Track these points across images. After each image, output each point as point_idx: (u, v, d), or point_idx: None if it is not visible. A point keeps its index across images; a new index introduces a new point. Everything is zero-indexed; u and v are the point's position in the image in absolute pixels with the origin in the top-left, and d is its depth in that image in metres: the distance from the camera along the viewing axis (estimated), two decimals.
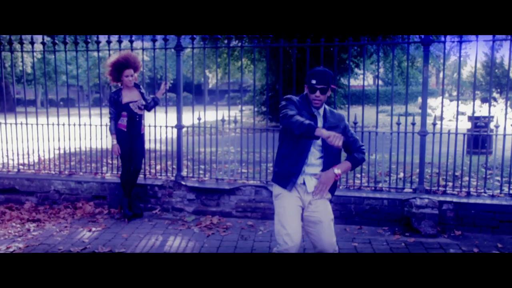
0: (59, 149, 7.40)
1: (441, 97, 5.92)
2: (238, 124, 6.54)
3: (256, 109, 6.45)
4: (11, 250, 5.00)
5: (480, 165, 6.17)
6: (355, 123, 5.94)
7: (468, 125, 11.01)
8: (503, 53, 45.94)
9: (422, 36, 5.65)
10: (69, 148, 7.21)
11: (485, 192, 5.81)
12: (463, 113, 22.25)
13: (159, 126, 6.72)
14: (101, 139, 6.95)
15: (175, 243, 5.25)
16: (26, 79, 32.84)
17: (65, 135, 7.15)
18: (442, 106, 5.99)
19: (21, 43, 6.88)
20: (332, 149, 3.35)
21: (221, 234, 5.55)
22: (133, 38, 6.52)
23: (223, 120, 6.43)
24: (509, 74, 5.58)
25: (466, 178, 6.19)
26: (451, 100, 29.30)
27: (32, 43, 6.87)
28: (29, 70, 27.01)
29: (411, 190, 5.94)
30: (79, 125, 6.94)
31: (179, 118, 6.52)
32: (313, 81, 3.34)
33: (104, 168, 7.24)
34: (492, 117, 9.42)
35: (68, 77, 8.62)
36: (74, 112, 7.12)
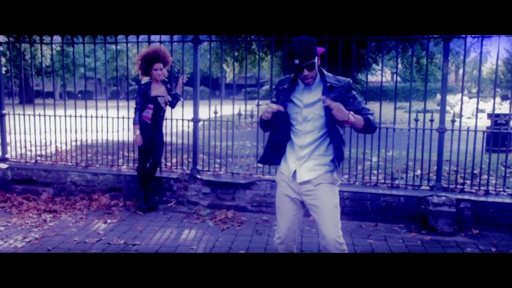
0: (76, 141, 7.46)
1: (460, 94, 5.81)
2: (255, 119, 6.51)
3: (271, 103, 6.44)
4: (27, 240, 5.05)
5: (499, 163, 6.06)
6: None
7: (488, 122, 10.86)
8: None
9: None
10: (86, 140, 7.26)
11: (504, 191, 5.71)
12: (482, 111, 21.95)
13: (175, 119, 6.72)
14: (118, 131, 6.98)
15: (190, 237, 5.26)
16: (45, 71, 33.22)
17: (82, 127, 7.20)
18: (462, 103, 5.90)
19: (40, 35, 6.93)
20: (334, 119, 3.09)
21: (235, 229, 5.54)
22: None
23: (239, 114, 6.41)
24: None
25: (485, 177, 6.10)
26: (470, 97, 28.95)
27: (51, 35, 6.90)
28: (48, 62, 27.25)
29: (428, 188, 5.86)
30: (96, 117, 6.97)
31: (195, 112, 6.52)
32: (296, 61, 2.99)
33: (120, 161, 7.28)
34: (508, 114, 9.29)
35: (87, 70, 8.68)
36: (91, 105, 7.16)
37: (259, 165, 6.71)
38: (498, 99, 24.85)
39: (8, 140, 7.56)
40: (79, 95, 34.29)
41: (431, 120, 5.73)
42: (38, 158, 7.41)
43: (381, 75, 6.01)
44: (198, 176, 6.40)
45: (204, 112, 6.73)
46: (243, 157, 6.95)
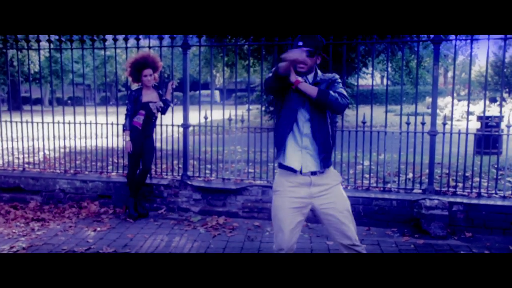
0: (64, 147, 7.37)
1: (449, 97, 5.80)
2: (245, 123, 6.46)
3: (263, 108, 6.40)
4: (14, 250, 4.95)
5: (491, 165, 6.05)
6: (363, 122, 5.85)
7: (477, 125, 10.87)
8: None
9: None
10: (75, 147, 7.15)
11: (496, 193, 5.70)
12: (471, 113, 22.05)
13: (165, 125, 6.66)
14: (107, 137, 6.90)
15: (181, 244, 5.19)
16: (33, 77, 32.98)
17: (71, 134, 7.11)
18: (453, 106, 5.88)
19: (27, 41, 6.84)
20: (317, 110, 3.12)
21: (227, 235, 5.48)
22: (140, 36, 6.46)
23: (230, 119, 6.36)
24: None
25: (477, 179, 6.08)
26: (459, 100, 29.08)
27: (38, 41, 6.82)
28: (36, 68, 27.03)
29: (420, 191, 5.84)
30: (85, 123, 6.89)
31: (185, 117, 6.46)
32: (300, 43, 3.06)
33: (110, 167, 7.19)
34: (503, 116, 9.33)
35: (75, 76, 8.56)
36: (80, 111, 7.07)
37: (250, 170, 6.66)
38: (486, 102, 24.97)
39: None
40: (69, 102, 34.11)
41: (423, 123, 5.70)
42: (26, 165, 7.30)
43: (371, 78, 5.99)
44: (189, 182, 6.33)
45: (194, 117, 6.67)
46: (234, 163, 6.89)
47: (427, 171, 5.96)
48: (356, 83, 6.88)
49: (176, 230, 5.66)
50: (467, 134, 5.68)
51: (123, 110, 6.12)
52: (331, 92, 3.06)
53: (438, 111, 5.76)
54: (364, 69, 21.23)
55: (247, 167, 6.61)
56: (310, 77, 3.21)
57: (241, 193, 6.15)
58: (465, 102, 24.61)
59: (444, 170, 6.10)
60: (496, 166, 5.83)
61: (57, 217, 6.12)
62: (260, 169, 6.47)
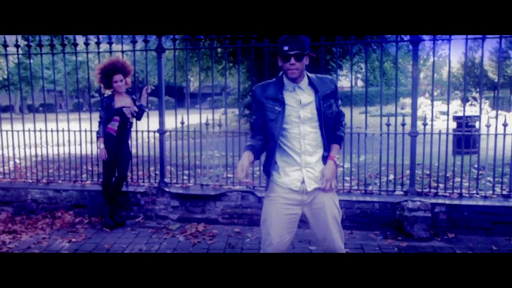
0: (36, 156, 7.11)
1: (422, 97, 5.74)
2: (223, 128, 6.33)
3: (239, 112, 6.28)
4: None
5: (470, 165, 6.04)
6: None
7: (453, 125, 10.93)
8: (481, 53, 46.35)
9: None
10: (47, 155, 6.90)
11: (477, 193, 5.68)
12: (443, 113, 22.31)
13: (140, 131, 6.49)
14: (80, 145, 6.69)
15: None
16: (2, 84, 32.26)
17: (42, 142, 6.88)
18: (433, 106, 5.86)
19: None
20: (322, 123, 3.04)
21: (207, 243, 5.34)
22: (112, 40, 6.29)
23: (207, 124, 6.22)
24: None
25: (458, 179, 6.05)
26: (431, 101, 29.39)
27: (5, 46, 6.57)
28: (5, 75, 26.42)
29: (402, 193, 5.78)
30: (57, 131, 6.67)
31: (161, 122, 6.30)
32: (285, 48, 2.90)
33: (84, 175, 6.98)
34: (477, 116, 9.38)
35: (46, 82, 8.30)
36: (52, 118, 6.83)
37: (229, 175, 6.53)
38: (458, 101, 25.29)
39: None
40: (40, 109, 33.46)
41: (403, 124, 5.65)
42: None
43: (350, 80, 5.92)
44: (166, 189, 6.17)
45: (170, 122, 6.51)
46: (212, 168, 6.75)
47: (407, 172, 5.92)
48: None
49: (154, 239, 5.49)
50: (447, 134, 5.66)
51: (96, 116, 5.94)
52: (343, 134, 3.21)
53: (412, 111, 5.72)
54: (339, 71, 21.30)
55: (226, 172, 6.47)
56: (304, 83, 3.07)
57: (220, 199, 6.01)
58: (438, 102, 24.94)
59: (425, 171, 6.05)
60: (476, 166, 5.81)
61: (30, 229, 5.89)
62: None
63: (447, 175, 6.41)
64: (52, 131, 6.69)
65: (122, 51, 6.34)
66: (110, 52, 6.32)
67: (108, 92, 6.02)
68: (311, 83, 3.07)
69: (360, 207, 5.63)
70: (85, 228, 5.90)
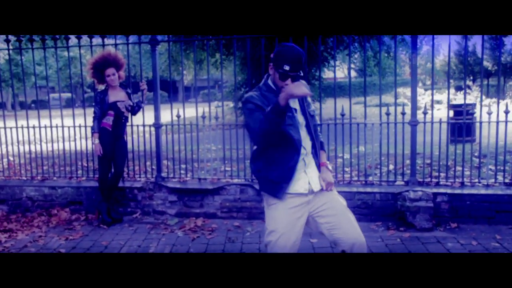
0: (30, 153, 6.99)
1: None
2: (220, 120, 6.23)
3: (234, 104, 6.20)
4: None
5: (469, 153, 5.98)
6: (342, 115, 5.70)
7: (449, 113, 10.88)
8: (475, 41, 46.47)
9: None
10: (41, 152, 6.78)
11: (479, 182, 5.62)
12: (438, 102, 22.29)
13: (136, 125, 6.38)
14: (75, 141, 6.57)
15: (158, 249, 4.93)
16: None
17: (36, 138, 6.76)
18: (433, 95, 5.78)
19: None
20: (310, 126, 3.01)
21: (207, 237, 5.25)
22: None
23: (203, 117, 6.12)
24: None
25: (458, 168, 5.99)
26: (425, 90, 29.37)
27: None
28: None
29: (403, 183, 5.71)
30: (51, 127, 6.55)
31: (157, 116, 6.19)
32: (286, 67, 2.76)
33: (80, 172, 6.86)
34: (474, 104, 9.32)
35: (38, 78, 8.21)
36: (45, 114, 6.71)
37: (227, 168, 6.45)
38: (452, 90, 25.29)
39: None
40: (33, 105, 33.23)
41: (403, 113, 5.57)
42: None
43: (348, 70, 5.84)
44: (164, 184, 6.07)
45: (166, 116, 6.41)
46: (210, 161, 6.65)
47: (407, 162, 5.85)
48: (324, 76, 6.74)
49: (153, 235, 5.40)
50: (448, 123, 5.59)
51: (90, 112, 5.83)
52: (320, 134, 3.24)
53: (406, 101, 5.66)
54: (332, 62, 21.20)
55: (224, 166, 6.38)
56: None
57: (219, 193, 5.93)
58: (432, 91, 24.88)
59: (425, 160, 5.99)
60: (477, 154, 5.75)
61: (26, 227, 5.79)
62: (237, 167, 6.25)
63: (448, 164, 6.34)
64: (45, 127, 6.56)
65: (116, 44, 6.22)
66: (103, 45, 6.20)
67: (101, 87, 5.91)
68: None
69: (361, 198, 5.56)
70: (82, 225, 5.80)
